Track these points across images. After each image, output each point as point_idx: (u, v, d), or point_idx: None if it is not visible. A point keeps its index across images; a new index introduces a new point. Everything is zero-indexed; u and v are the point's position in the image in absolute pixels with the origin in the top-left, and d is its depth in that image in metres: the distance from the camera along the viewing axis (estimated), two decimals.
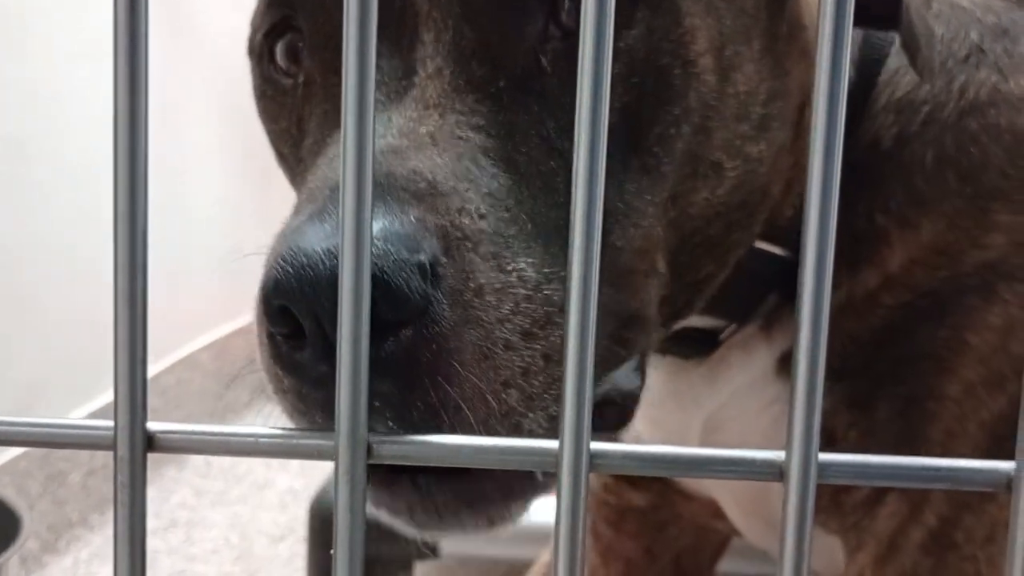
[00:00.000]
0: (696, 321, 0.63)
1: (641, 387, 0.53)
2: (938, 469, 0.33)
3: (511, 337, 0.43)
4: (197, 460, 1.89)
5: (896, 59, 0.63)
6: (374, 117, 0.47)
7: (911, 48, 0.55)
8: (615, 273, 0.49)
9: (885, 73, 0.63)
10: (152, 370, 1.89)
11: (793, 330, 0.64)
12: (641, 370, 0.54)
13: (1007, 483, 0.33)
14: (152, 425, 0.33)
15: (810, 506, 0.32)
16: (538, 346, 0.44)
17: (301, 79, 0.54)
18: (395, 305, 0.40)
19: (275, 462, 1.79)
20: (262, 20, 0.56)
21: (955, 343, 0.61)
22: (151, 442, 0.33)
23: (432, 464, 0.40)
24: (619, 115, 0.49)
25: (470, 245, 0.43)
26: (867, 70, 0.62)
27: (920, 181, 0.61)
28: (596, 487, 0.83)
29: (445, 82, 0.48)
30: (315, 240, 0.40)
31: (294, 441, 0.33)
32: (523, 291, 0.44)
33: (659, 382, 0.70)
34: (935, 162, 0.61)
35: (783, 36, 0.57)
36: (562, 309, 0.44)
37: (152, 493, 1.92)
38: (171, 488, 1.81)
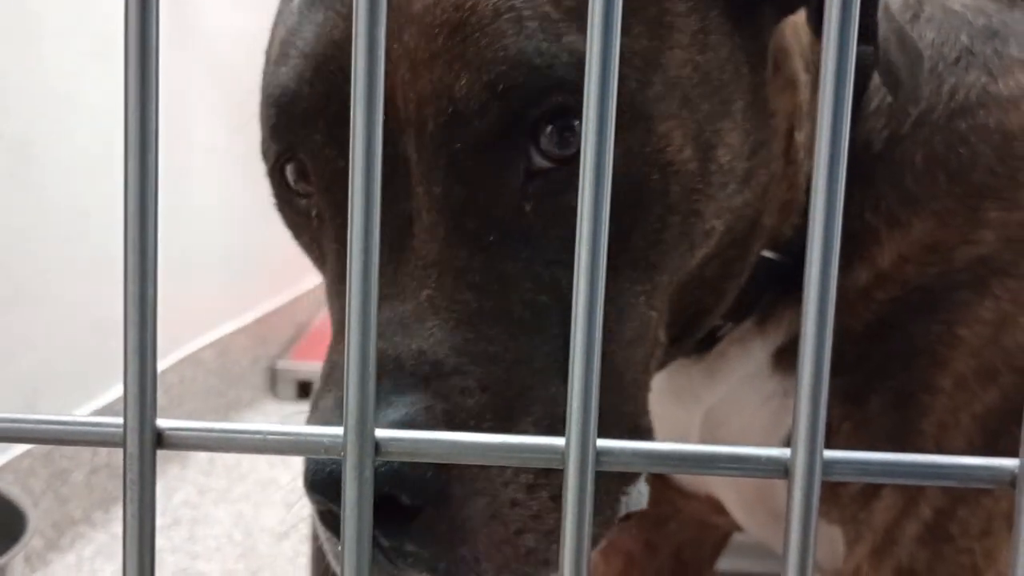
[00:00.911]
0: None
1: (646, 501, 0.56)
2: (942, 466, 0.33)
3: (516, 495, 0.48)
4: (201, 458, 1.89)
5: None
6: (380, 272, 0.49)
7: (890, 82, 0.56)
8: (613, 377, 0.52)
9: (877, 78, 0.63)
10: None
11: (786, 324, 0.64)
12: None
13: (1011, 480, 0.33)
14: (161, 422, 0.33)
15: (815, 503, 0.32)
16: (544, 493, 0.49)
17: (314, 212, 0.56)
18: (416, 495, 0.46)
19: (279, 459, 1.80)
20: (269, 145, 0.57)
21: (947, 337, 0.61)
22: (160, 439, 0.33)
23: (440, 461, 0.40)
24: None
25: (474, 424, 0.48)
26: (858, 75, 0.63)
27: (910, 181, 0.62)
28: None
29: (440, 238, 0.50)
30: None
31: (303, 438, 0.33)
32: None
33: (659, 379, 0.71)
34: (925, 162, 0.62)
35: (768, 80, 0.58)
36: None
37: (156, 490, 1.93)
38: (175, 486, 1.82)
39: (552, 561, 0.49)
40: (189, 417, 2.03)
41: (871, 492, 0.64)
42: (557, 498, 0.48)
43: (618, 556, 0.85)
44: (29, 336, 1.58)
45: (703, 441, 0.70)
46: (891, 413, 0.62)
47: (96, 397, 1.72)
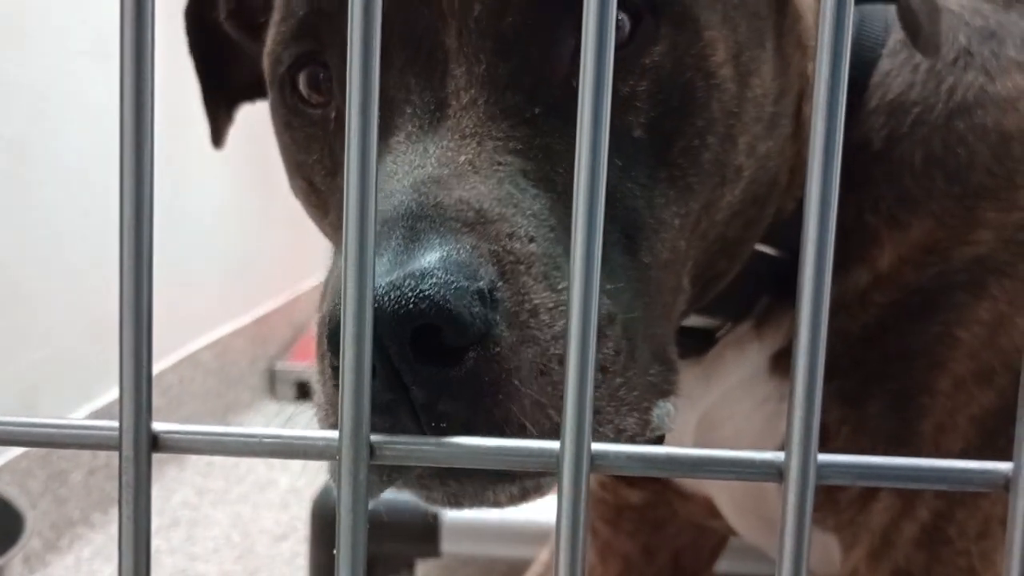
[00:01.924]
0: (693, 321, 0.64)
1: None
2: (937, 470, 0.33)
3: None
4: (199, 459, 1.89)
5: (888, 62, 0.64)
6: (409, 148, 0.48)
7: (910, 27, 0.56)
8: (647, 291, 0.50)
9: (877, 75, 0.64)
10: (154, 369, 1.89)
11: (784, 328, 0.64)
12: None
13: (1005, 483, 0.33)
14: (157, 425, 0.33)
15: (809, 507, 0.32)
16: (609, 346, 0.46)
17: (333, 113, 0.54)
18: (460, 332, 0.42)
19: (277, 461, 1.80)
20: (284, 51, 0.56)
21: (945, 339, 0.62)
22: (156, 442, 0.33)
23: (434, 464, 0.41)
24: (646, 130, 0.50)
25: (523, 268, 0.45)
26: (859, 72, 0.63)
27: (909, 181, 0.62)
28: (593, 485, 0.83)
29: (480, 111, 0.49)
30: (377, 275, 0.41)
31: (298, 441, 0.33)
32: None
33: None
34: (923, 163, 0.62)
35: (787, 30, 0.58)
36: (611, 321, 0.46)
37: (154, 492, 1.92)
38: (173, 487, 1.82)
39: (610, 421, 0.46)
40: (188, 418, 2.03)
41: (869, 495, 0.65)
42: (604, 368, 0.46)
43: (616, 560, 0.86)
44: (27, 337, 1.58)
45: (698, 444, 0.70)
46: (890, 415, 0.63)
47: (94, 398, 1.72)
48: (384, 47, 0.50)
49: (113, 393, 1.72)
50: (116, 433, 0.33)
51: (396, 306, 0.40)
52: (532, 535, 1.12)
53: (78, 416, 1.67)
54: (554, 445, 0.33)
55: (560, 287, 0.45)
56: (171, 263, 1.73)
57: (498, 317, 0.43)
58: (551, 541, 0.81)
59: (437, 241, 0.43)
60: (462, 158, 0.47)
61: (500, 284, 0.43)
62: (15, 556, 1.12)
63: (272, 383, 2.34)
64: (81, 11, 1.64)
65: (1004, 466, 0.33)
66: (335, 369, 0.45)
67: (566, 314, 0.43)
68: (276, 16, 0.57)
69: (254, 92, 0.76)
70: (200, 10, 0.72)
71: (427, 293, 0.40)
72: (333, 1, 0.52)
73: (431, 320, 0.40)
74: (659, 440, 0.53)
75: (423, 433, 0.43)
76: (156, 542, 1.59)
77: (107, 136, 1.85)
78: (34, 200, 1.58)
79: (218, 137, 0.79)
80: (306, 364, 2.32)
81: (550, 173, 0.48)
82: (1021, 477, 0.32)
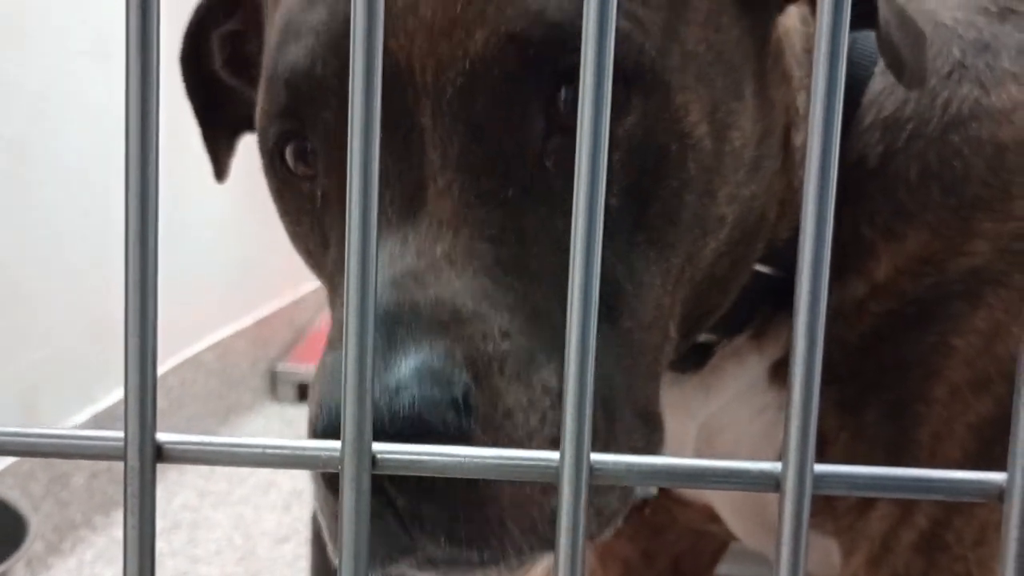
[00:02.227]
0: None
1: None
2: (931, 480, 0.33)
3: (543, 447, 0.45)
4: None
5: (881, 80, 0.64)
6: (389, 236, 0.48)
7: (894, 64, 0.56)
8: (630, 355, 0.51)
9: (871, 93, 0.64)
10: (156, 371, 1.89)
11: (784, 339, 0.65)
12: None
13: (999, 494, 0.33)
14: (161, 436, 0.33)
15: (806, 517, 0.33)
16: None
17: (319, 191, 0.55)
18: (436, 443, 0.42)
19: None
20: (270, 128, 0.56)
21: (941, 347, 0.62)
22: (160, 452, 0.33)
23: (436, 475, 0.41)
24: (621, 198, 0.51)
25: (496, 368, 0.46)
26: (853, 91, 0.64)
27: (904, 195, 0.63)
28: None
29: (455, 196, 0.49)
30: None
31: (300, 452, 0.34)
32: (548, 401, 0.47)
33: None
34: (919, 176, 0.63)
35: (769, 70, 0.58)
36: None
37: (156, 495, 1.93)
38: (175, 490, 1.82)
39: (588, 504, 0.47)
40: (190, 419, 2.03)
41: (867, 502, 0.65)
42: (597, 432, 0.46)
43: (616, 564, 0.86)
44: (27, 337, 1.58)
45: (698, 453, 0.70)
46: (887, 423, 0.63)
47: (96, 401, 1.72)
48: None
49: (116, 395, 1.72)
50: (121, 444, 0.33)
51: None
52: None
53: (79, 418, 1.67)
54: (554, 455, 0.33)
55: (534, 382, 0.46)
56: (173, 265, 1.73)
57: (473, 423, 0.44)
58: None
59: (412, 348, 0.44)
60: (439, 249, 0.48)
61: (474, 389, 0.44)
62: (18, 560, 1.12)
63: (273, 385, 2.34)
64: (81, 11, 1.64)
65: (998, 476, 0.33)
66: (332, 487, 0.46)
67: (541, 409, 0.46)
68: (261, 87, 0.57)
69: (254, 123, 0.77)
70: (195, 57, 0.73)
71: (403, 409, 0.42)
72: (312, 89, 0.52)
73: (413, 437, 0.41)
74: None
75: (411, 537, 0.45)
76: (158, 544, 1.58)
77: (107, 136, 1.86)
78: (34, 200, 1.58)
79: (220, 171, 0.80)
80: (307, 366, 2.32)
81: (525, 258, 0.49)
82: (1015, 487, 0.33)
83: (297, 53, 0.53)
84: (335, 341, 0.49)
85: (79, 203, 1.65)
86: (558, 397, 0.46)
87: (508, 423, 0.45)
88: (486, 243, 0.48)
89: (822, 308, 0.31)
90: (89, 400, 1.71)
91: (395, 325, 0.45)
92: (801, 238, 0.31)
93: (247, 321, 2.26)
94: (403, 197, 0.50)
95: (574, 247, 0.32)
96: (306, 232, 0.58)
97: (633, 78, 0.51)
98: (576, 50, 0.48)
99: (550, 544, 0.46)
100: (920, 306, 0.63)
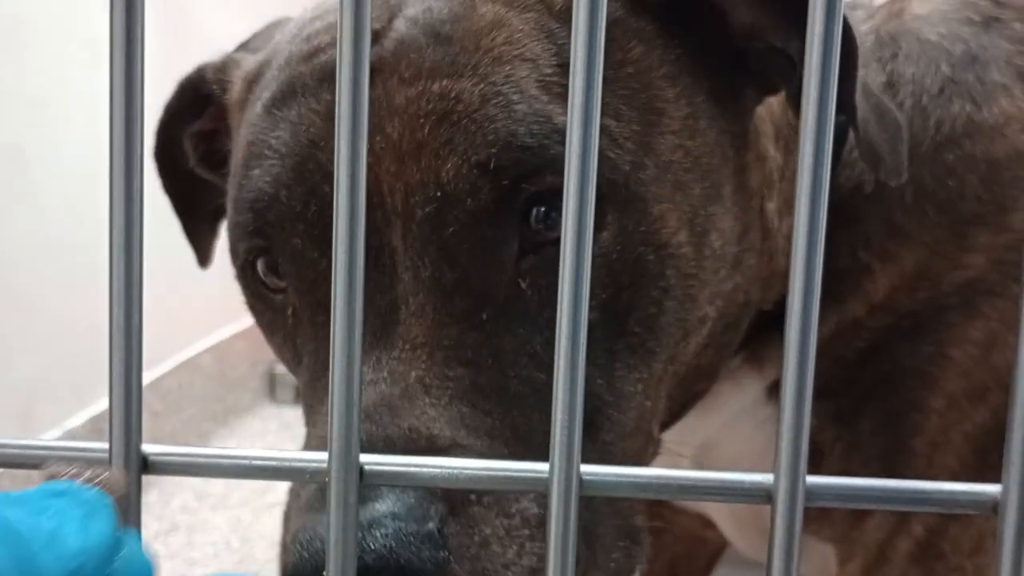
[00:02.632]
0: None
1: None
2: (925, 492, 0.33)
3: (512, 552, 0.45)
4: None
5: None
6: (363, 358, 0.48)
7: (871, 161, 0.55)
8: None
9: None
10: (154, 373, 1.89)
11: (779, 360, 0.64)
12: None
13: (993, 506, 0.33)
14: (147, 447, 0.33)
15: (798, 528, 0.32)
16: None
17: (290, 309, 0.54)
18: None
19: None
20: (240, 244, 0.56)
21: (938, 358, 0.62)
22: (146, 464, 0.33)
23: (427, 485, 0.41)
24: (600, 312, 0.50)
25: (473, 499, 0.45)
26: (839, 125, 0.63)
27: (900, 216, 0.62)
28: None
29: (429, 318, 0.49)
30: (320, 534, 0.42)
31: (287, 463, 0.33)
32: (527, 531, 0.46)
33: None
34: (914, 197, 0.62)
35: (746, 162, 0.57)
36: None
37: (153, 497, 1.92)
38: (172, 492, 1.82)
39: None
40: (187, 422, 2.02)
41: (863, 511, 0.65)
42: (578, 562, 0.46)
43: None
44: (24, 344, 1.58)
45: (696, 462, 0.70)
46: (883, 434, 0.63)
47: (90, 405, 1.72)
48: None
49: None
50: (106, 455, 0.33)
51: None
52: None
53: (74, 423, 1.67)
54: (544, 467, 0.33)
55: (512, 511, 0.45)
56: (170, 267, 1.73)
57: (448, 555, 0.43)
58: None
59: (385, 486, 0.43)
60: (413, 375, 0.47)
61: (450, 520, 0.44)
62: None
63: (272, 386, 2.34)
64: (79, 18, 1.64)
65: (992, 488, 0.33)
66: None
67: (519, 539, 0.46)
68: (229, 202, 0.56)
69: None
70: (169, 155, 0.72)
71: (377, 546, 0.41)
72: (279, 215, 0.52)
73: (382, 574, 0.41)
74: None
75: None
76: (155, 547, 1.58)
77: (103, 144, 1.85)
78: (31, 207, 1.58)
79: (204, 258, 0.79)
80: None
81: (502, 381, 0.48)
82: (1009, 500, 0.33)
83: (262, 177, 0.52)
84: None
85: (76, 210, 1.65)
86: (538, 526, 0.46)
87: (484, 553, 0.44)
88: (461, 367, 0.48)
89: (813, 326, 0.31)
90: (85, 405, 1.71)
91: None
92: (792, 263, 0.31)
93: (245, 323, 2.26)
94: (376, 317, 0.49)
95: (563, 259, 0.32)
96: (280, 344, 0.57)
97: (607, 194, 0.50)
98: (548, 172, 0.48)
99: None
100: (916, 318, 0.62)
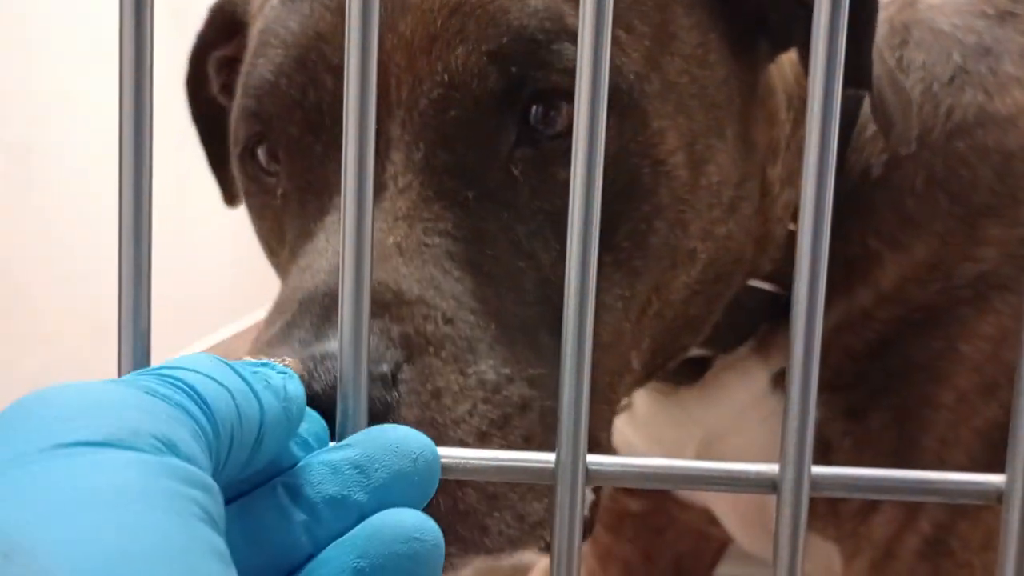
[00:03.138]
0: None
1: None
2: (930, 482, 0.33)
3: (466, 438, 0.44)
4: None
5: None
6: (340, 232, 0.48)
7: (884, 126, 0.55)
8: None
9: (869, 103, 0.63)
10: None
11: (785, 350, 0.64)
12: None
13: (998, 496, 0.33)
14: None
15: (803, 518, 0.32)
16: (495, 446, 0.45)
17: (280, 191, 0.55)
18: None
19: None
20: (241, 131, 0.56)
21: (948, 353, 0.61)
22: None
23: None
24: None
25: (432, 350, 0.44)
26: (852, 103, 0.63)
27: (911, 204, 0.62)
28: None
29: (414, 194, 0.49)
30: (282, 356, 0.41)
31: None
32: (481, 393, 0.45)
33: (651, 402, 0.71)
34: (925, 185, 0.62)
35: (753, 116, 0.57)
36: (524, 408, 0.46)
37: None
38: None
39: (491, 530, 0.44)
40: None
41: (870, 507, 0.64)
42: (532, 439, 0.45)
43: (616, 565, 0.86)
44: (29, 342, 1.58)
45: (701, 455, 0.70)
46: (892, 428, 0.62)
47: None
48: (331, 135, 0.51)
49: None
50: None
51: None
52: None
53: None
54: (549, 457, 0.33)
55: (470, 371, 0.45)
56: (174, 266, 1.73)
57: (398, 399, 0.42)
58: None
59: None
60: (390, 240, 0.47)
61: (405, 366, 0.43)
62: None
63: None
64: (84, 16, 1.64)
65: (997, 478, 0.33)
66: None
67: (472, 398, 0.45)
68: (239, 87, 0.57)
69: None
70: (198, 82, 0.73)
71: (328, 378, 0.40)
72: (277, 102, 0.53)
73: (326, 405, 0.39)
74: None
75: None
76: None
77: (110, 140, 1.85)
78: (37, 204, 1.59)
79: (230, 196, 0.80)
80: None
81: (478, 256, 0.48)
82: (1014, 490, 0.33)
83: (266, 66, 0.53)
84: (273, 316, 0.47)
85: (82, 207, 1.65)
86: (493, 392, 0.45)
87: (435, 403, 0.43)
88: (439, 237, 0.48)
89: (819, 312, 0.31)
90: None
91: (333, 302, 0.44)
92: (798, 248, 0.31)
93: (247, 322, 2.26)
94: None
95: (569, 255, 0.32)
96: (268, 229, 0.58)
97: (609, 98, 0.50)
98: (554, 71, 0.48)
99: (460, 538, 0.44)
100: (927, 312, 0.62)
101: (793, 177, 0.61)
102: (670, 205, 0.52)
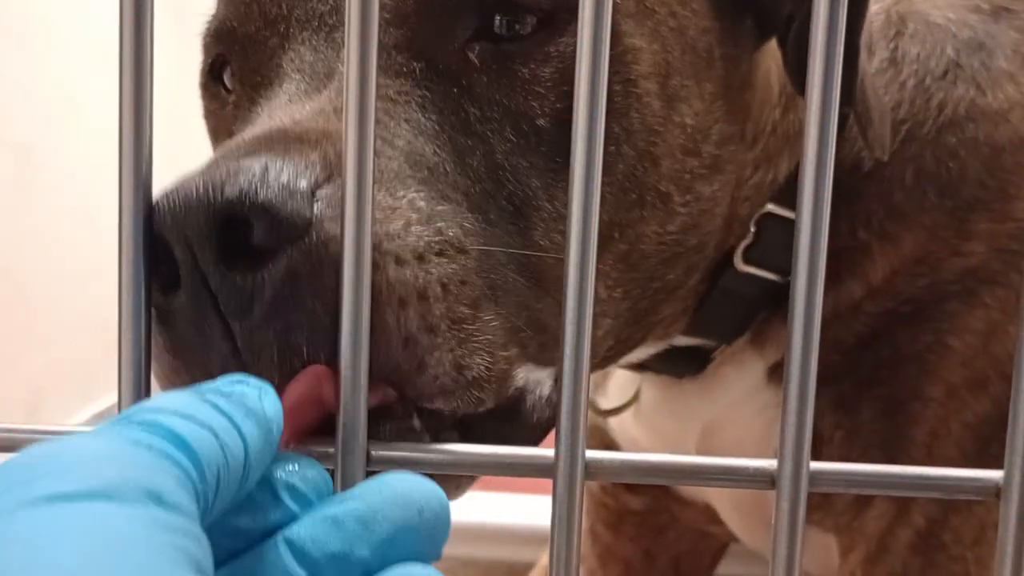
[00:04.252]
0: (684, 341, 0.64)
1: None
2: (928, 478, 0.33)
3: (403, 255, 0.41)
4: None
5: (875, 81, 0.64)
6: (288, 102, 0.47)
7: (862, 124, 0.55)
8: (537, 272, 0.47)
9: None
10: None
11: (781, 341, 0.64)
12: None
13: (996, 491, 0.33)
14: None
15: (801, 513, 0.33)
16: (433, 271, 0.42)
17: (232, 97, 0.54)
18: (273, 228, 0.38)
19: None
20: (205, 55, 0.56)
21: (938, 347, 0.62)
22: None
23: (432, 472, 0.41)
24: (552, 120, 0.48)
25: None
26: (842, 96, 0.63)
27: (900, 197, 0.62)
28: (595, 489, 0.84)
29: (363, 67, 0.47)
30: (193, 180, 0.38)
31: (294, 449, 0.34)
32: (413, 215, 0.43)
33: (652, 395, 0.71)
34: (915, 178, 0.62)
35: (735, 87, 0.57)
36: (458, 250, 0.43)
37: None
38: None
39: (450, 350, 0.41)
40: None
41: (864, 501, 0.65)
42: (445, 287, 0.42)
43: (617, 564, 0.86)
44: (33, 339, 1.58)
45: (700, 449, 0.70)
46: (882, 422, 0.63)
47: (97, 400, 1.73)
48: (288, 26, 0.49)
49: (115, 396, 1.72)
50: None
51: (206, 203, 0.37)
52: (532, 538, 1.12)
53: (80, 418, 1.67)
54: (549, 452, 0.33)
55: (400, 194, 0.42)
56: None
57: (318, 216, 0.39)
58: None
59: (267, 152, 0.40)
60: (330, 106, 0.45)
61: (326, 184, 0.40)
62: None
63: None
64: (86, 16, 1.65)
65: (995, 474, 0.33)
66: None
67: (404, 216, 0.42)
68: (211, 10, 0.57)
69: None
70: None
71: (244, 186, 0.37)
72: (234, 12, 0.52)
73: (239, 211, 0.37)
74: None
75: (236, 353, 0.39)
76: None
77: (112, 141, 1.86)
78: (39, 205, 1.59)
79: None
80: None
81: (420, 119, 0.46)
82: (1012, 485, 0.33)
83: (227, 6, 0.52)
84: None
85: (84, 208, 1.65)
86: (426, 218, 0.42)
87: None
88: (380, 100, 0.45)
89: (817, 307, 0.31)
90: (91, 401, 1.71)
91: (260, 142, 0.41)
92: (796, 242, 0.31)
93: None
94: (313, 78, 0.47)
95: (568, 250, 0.32)
96: (221, 140, 0.56)
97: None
98: None
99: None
100: (916, 305, 0.62)
101: (773, 159, 0.61)
102: (639, 132, 0.51)
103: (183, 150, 0.92)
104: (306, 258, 0.38)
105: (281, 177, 0.39)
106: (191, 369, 0.40)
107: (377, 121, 0.41)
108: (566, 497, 0.33)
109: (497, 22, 0.49)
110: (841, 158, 0.62)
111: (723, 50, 0.56)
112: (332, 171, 0.40)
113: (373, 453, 0.33)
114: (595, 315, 0.52)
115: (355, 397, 0.33)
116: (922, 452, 0.62)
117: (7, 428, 0.34)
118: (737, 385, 0.67)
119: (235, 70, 0.53)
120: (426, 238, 0.42)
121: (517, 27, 0.48)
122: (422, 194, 0.44)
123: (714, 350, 0.66)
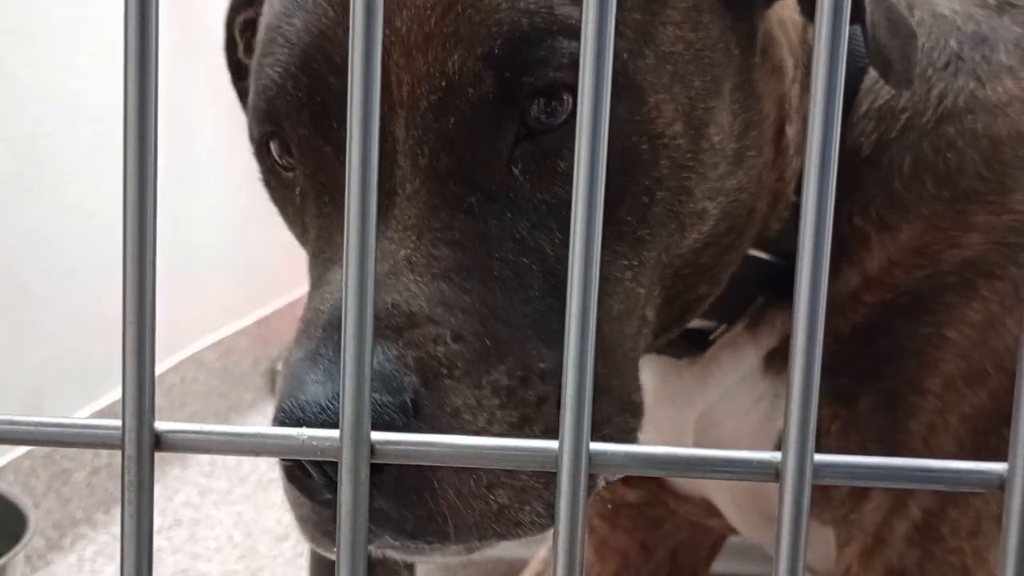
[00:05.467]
0: (696, 323, 0.64)
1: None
2: (931, 470, 0.33)
3: None
4: (202, 459, 1.90)
5: None
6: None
7: (881, 66, 0.56)
8: (600, 346, 0.51)
9: (867, 81, 0.64)
10: (157, 369, 1.89)
11: (778, 328, 0.64)
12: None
13: (1000, 483, 0.33)
14: (159, 424, 0.33)
15: (806, 506, 0.32)
16: None
17: (298, 189, 0.57)
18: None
19: (279, 461, 1.80)
20: (256, 127, 0.58)
21: (935, 339, 0.62)
22: (158, 441, 0.33)
23: (435, 463, 0.41)
24: None
25: (445, 371, 0.47)
26: (848, 79, 0.63)
27: (898, 185, 0.63)
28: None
29: (422, 202, 0.51)
30: (311, 393, 0.46)
31: (299, 441, 0.34)
32: (497, 400, 0.48)
33: (653, 383, 0.71)
34: (913, 167, 0.63)
35: (756, 64, 0.58)
36: (539, 403, 0.49)
37: (157, 491, 1.92)
38: (176, 487, 1.82)
39: (524, 523, 0.49)
40: (191, 418, 2.04)
41: (861, 493, 0.65)
42: (549, 431, 0.48)
43: (613, 556, 0.86)
44: (34, 336, 1.58)
45: (697, 442, 0.70)
46: (880, 414, 0.63)
47: (99, 397, 1.72)
48: (339, 137, 0.52)
49: (116, 393, 1.72)
50: (119, 432, 0.33)
51: (323, 425, 0.43)
52: (532, 537, 1.12)
53: (82, 415, 1.67)
54: (552, 444, 0.33)
55: (483, 382, 0.48)
56: (175, 264, 1.73)
57: (421, 425, 0.46)
58: (549, 539, 0.82)
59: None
60: (401, 253, 0.50)
61: (423, 391, 0.46)
62: (17, 555, 1.12)
63: (274, 383, 2.34)
64: (87, 13, 1.64)
65: (999, 466, 0.33)
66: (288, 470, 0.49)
67: (489, 408, 0.48)
68: (251, 84, 0.58)
69: None
70: (231, 50, 0.75)
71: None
72: (286, 104, 0.54)
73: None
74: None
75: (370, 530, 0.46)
76: (159, 541, 1.59)
77: (113, 137, 1.87)
78: (40, 201, 1.59)
79: None
80: None
81: (486, 261, 0.50)
82: (1016, 477, 0.33)
83: (273, 66, 0.54)
84: (301, 337, 0.50)
85: (85, 204, 1.65)
86: (508, 396, 0.48)
87: (455, 422, 0.47)
88: (447, 247, 0.50)
89: (822, 298, 0.31)
90: (94, 398, 1.71)
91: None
92: (801, 230, 0.31)
93: (249, 320, 2.26)
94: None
95: (573, 239, 0.32)
96: (291, 221, 0.60)
97: None
98: (550, 66, 0.49)
99: (497, 533, 0.49)
100: (913, 297, 0.63)
101: (802, 143, 0.62)
102: (671, 175, 0.54)
103: (183, 150, 0.92)
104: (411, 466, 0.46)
105: (387, 397, 0.46)
106: (320, 525, 0.52)
107: (452, 282, 0.49)
108: (570, 489, 0.33)
109: (535, 108, 0.51)
110: (840, 141, 0.62)
111: (737, 36, 0.57)
112: (427, 372, 0.47)
113: (377, 445, 0.33)
114: (641, 321, 0.54)
115: (359, 386, 0.32)
116: (919, 444, 0.62)
117: (8, 420, 0.34)
118: (732, 372, 0.67)
119: (294, 156, 0.56)
120: (509, 420, 0.48)
121: (555, 104, 0.51)
122: (503, 368, 0.49)
123: (713, 331, 0.66)
